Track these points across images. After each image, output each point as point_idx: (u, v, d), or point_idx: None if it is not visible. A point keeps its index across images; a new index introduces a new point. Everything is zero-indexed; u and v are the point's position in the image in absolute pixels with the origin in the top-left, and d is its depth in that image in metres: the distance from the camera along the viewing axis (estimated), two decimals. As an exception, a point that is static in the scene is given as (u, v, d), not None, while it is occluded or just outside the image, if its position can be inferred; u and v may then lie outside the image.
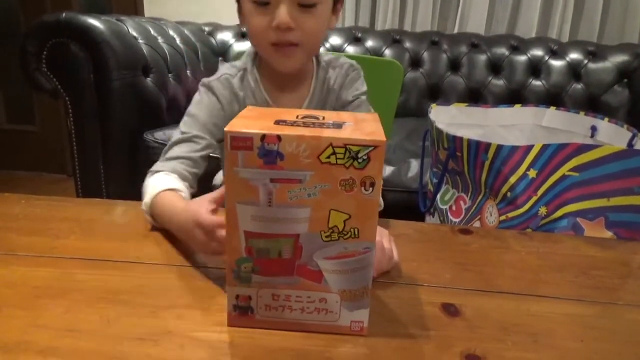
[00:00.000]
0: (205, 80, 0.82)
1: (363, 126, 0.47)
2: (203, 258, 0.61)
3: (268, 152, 0.42)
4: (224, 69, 0.84)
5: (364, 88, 0.85)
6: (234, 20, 0.83)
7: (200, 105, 0.80)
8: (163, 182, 0.70)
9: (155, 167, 0.76)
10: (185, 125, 0.79)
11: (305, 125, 0.45)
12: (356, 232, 0.45)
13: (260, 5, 0.72)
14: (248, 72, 0.82)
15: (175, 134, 0.79)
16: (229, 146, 0.42)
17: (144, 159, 1.36)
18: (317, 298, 0.47)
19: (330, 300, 0.47)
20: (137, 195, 0.72)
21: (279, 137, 0.42)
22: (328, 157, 0.42)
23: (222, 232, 0.53)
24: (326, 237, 0.45)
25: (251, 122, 0.46)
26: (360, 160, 0.42)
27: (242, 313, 0.48)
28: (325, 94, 0.84)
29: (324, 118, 0.48)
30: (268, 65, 0.81)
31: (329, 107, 0.85)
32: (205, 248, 0.56)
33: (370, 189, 0.43)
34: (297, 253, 0.45)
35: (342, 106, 0.84)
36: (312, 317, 0.48)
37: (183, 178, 0.74)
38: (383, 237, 0.60)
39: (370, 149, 0.42)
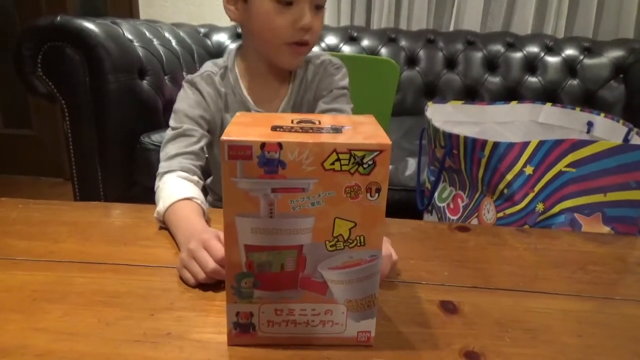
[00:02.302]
0: (188, 77, 0.84)
1: (363, 129, 0.44)
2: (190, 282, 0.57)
3: (269, 160, 0.40)
4: (207, 66, 0.85)
5: (343, 83, 0.86)
6: (230, 21, 0.83)
7: (185, 100, 0.81)
8: (178, 190, 0.70)
9: (162, 168, 0.76)
10: (174, 121, 0.80)
11: (304, 130, 0.43)
12: (362, 240, 0.43)
13: (283, 5, 0.74)
14: (229, 69, 0.83)
15: (167, 132, 0.80)
16: (227, 156, 0.40)
17: (141, 162, 1.36)
18: (323, 310, 0.45)
19: (336, 312, 0.45)
20: (135, 198, 0.72)
21: (280, 145, 0.39)
22: (332, 163, 0.40)
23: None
24: (331, 246, 0.43)
25: (247, 129, 0.44)
26: (365, 166, 0.40)
27: (243, 331, 0.46)
28: (303, 91, 0.85)
29: (320, 122, 0.46)
30: (249, 63, 0.83)
31: (306, 103, 0.86)
32: (203, 268, 0.55)
33: (376, 195, 0.41)
34: (301, 265, 0.43)
35: (317, 100, 0.85)
36: (317, 330, 0.46)
37: (192, 173, 0.75)
38: (385, 243, 0.60)
39: (376, 153, 0.40)
